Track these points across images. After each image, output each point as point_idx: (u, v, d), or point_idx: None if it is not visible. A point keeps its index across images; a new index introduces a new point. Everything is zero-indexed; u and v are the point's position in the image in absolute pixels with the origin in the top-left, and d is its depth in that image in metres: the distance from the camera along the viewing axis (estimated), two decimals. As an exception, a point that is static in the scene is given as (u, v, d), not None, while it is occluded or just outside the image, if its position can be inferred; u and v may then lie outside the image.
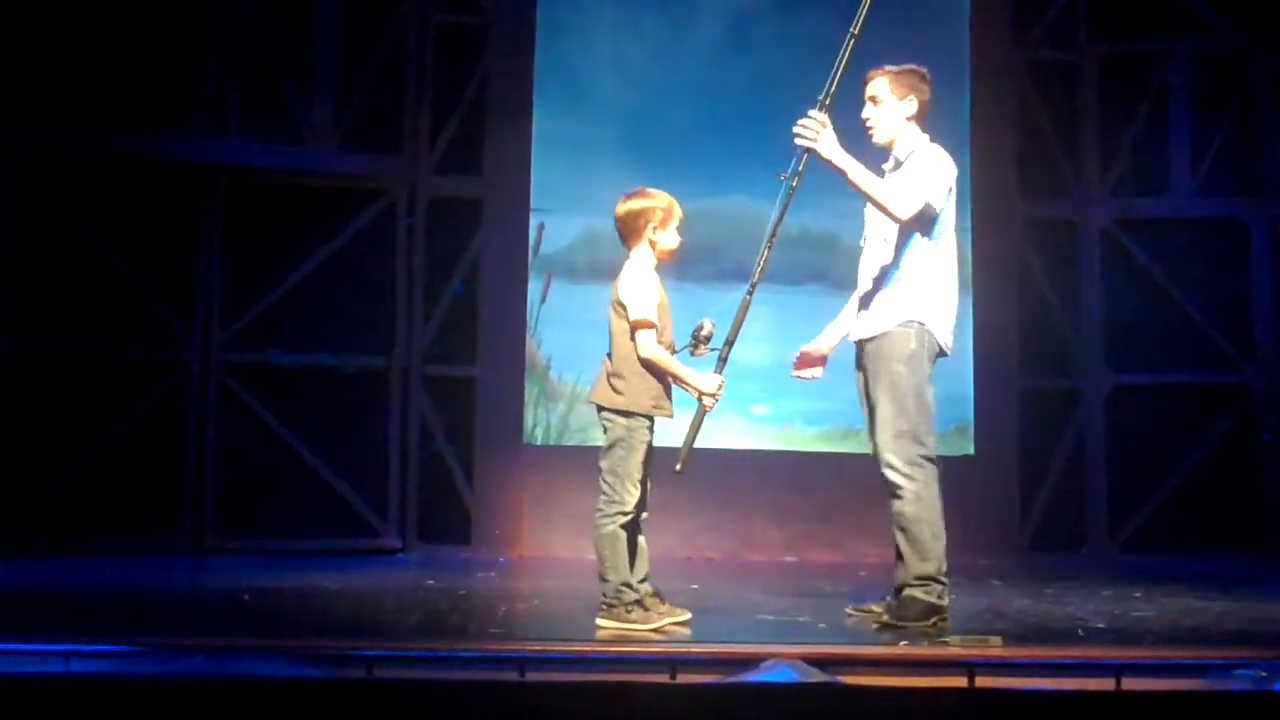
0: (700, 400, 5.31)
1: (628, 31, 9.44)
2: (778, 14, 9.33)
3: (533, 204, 9.20)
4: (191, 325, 8.75)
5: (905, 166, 5.64)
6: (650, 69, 9.39)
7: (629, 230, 5.45)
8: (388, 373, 9.03)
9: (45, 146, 8.40)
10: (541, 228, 9.17)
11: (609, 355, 5.40)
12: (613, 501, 5.27)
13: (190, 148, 8.73)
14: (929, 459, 5.46)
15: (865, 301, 5.68)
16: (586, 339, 8.70)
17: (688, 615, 5.38)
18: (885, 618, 5.44)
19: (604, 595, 5.28)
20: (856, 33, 5.39)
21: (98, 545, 7.99)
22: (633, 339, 5.29)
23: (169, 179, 8.69)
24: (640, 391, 5.29)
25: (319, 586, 6.71)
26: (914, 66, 5.73)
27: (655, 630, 5.19)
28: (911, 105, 5.69)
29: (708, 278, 8.19)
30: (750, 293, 5.39)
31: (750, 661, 4.35)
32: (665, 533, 7.92)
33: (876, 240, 5.70)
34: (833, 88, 5.41)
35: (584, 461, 8.85)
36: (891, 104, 5.68)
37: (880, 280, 5.63)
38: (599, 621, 5.26)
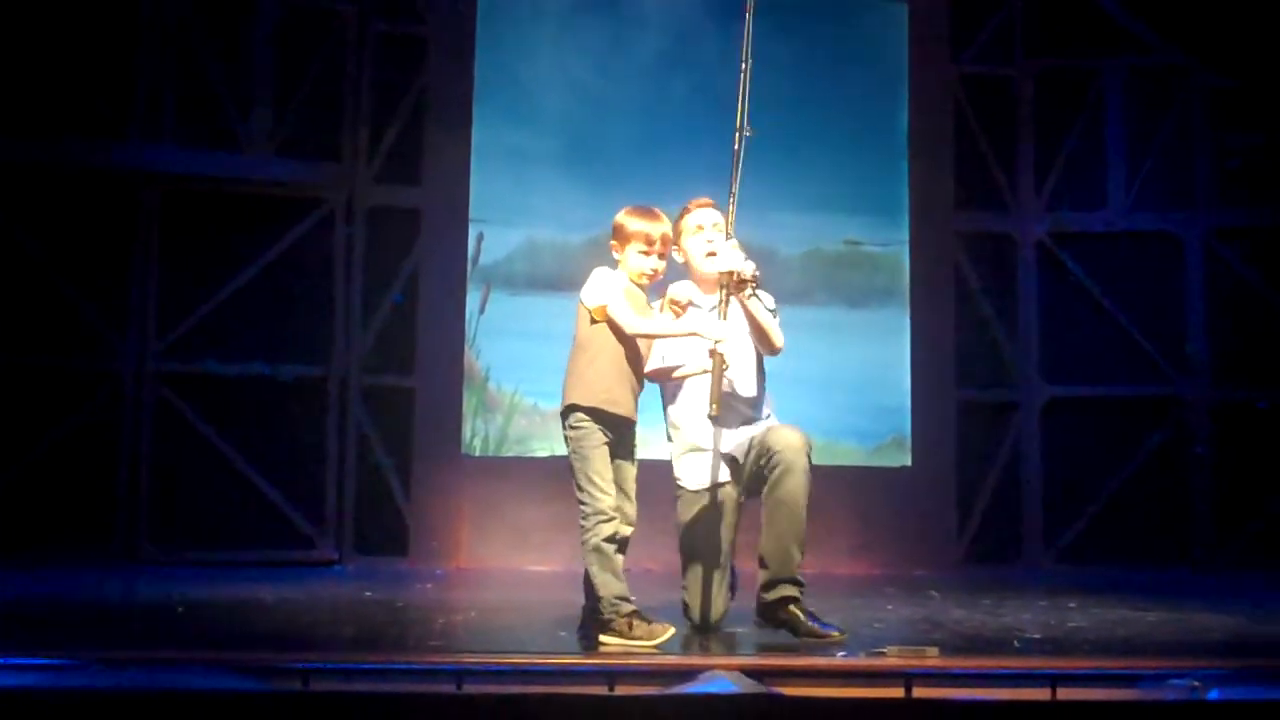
0: (713, 352, 5.13)
1: (569, 44, 9.45)
2: (718, 29, 9.32)
3: (472, 214, 9.17)
4: (126, 334, 8.65)
5: (758, 298, 5.43)
6: (591, 81, 9.40)
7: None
8: (325, 383, 8.97)
9: (-23, 153, 8.32)
10: (480, 238, 9.15)
11: None
12: (588, 512, 5.12)
13: (125, 155, 8.65)
14: None
15: (746, 412, 5.59)
16: (525, 350, 8.79)
17: (671, 631, 5.11)
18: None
19: (600, 612, 5.08)
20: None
21: (29, 556, 7.87)
22: (582, 333, 5.21)
23: (103, 186, 8.61)
24: (586, 383, 5.17)
25: (254, 598, 6.65)
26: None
27: (658, 646, 4.95)
28: None
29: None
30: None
31: (688, 673, 4.34)
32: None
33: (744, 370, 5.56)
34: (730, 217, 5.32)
35: (523, 472, 8.97)
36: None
37: (759, 396, 5.62)
38: (601, 638, 5.04)
